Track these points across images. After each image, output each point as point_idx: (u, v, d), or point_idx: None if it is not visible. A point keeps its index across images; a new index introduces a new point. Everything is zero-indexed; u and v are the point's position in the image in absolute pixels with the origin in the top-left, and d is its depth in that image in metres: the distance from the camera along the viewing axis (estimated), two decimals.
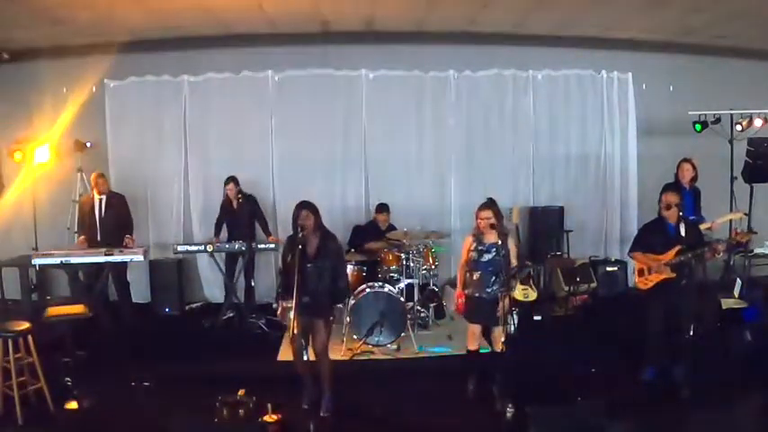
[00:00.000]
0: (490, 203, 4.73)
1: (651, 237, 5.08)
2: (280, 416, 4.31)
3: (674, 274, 4.89)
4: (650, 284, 5.00)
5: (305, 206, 4.57)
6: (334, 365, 4.79)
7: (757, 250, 7.31)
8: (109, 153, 7.88)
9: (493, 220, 4.63)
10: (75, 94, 7.72)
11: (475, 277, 4.70)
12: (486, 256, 4.67)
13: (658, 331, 5.00)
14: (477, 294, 4.70)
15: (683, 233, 4.93)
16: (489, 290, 4.66)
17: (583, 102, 8.39)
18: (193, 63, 7.89)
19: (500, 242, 4.61)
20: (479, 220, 4.68)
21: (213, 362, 5.68)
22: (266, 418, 4.26)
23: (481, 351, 4.92)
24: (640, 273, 5.12)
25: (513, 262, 4.66)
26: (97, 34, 7.33)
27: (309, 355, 4.69)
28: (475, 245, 4.72)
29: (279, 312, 4.62)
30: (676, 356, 4.92)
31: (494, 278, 4.64)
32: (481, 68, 8.17)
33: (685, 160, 6.41)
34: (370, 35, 7.80)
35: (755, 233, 5.53)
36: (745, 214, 6.89)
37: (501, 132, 8.30)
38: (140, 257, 6.33)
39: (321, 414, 4.51)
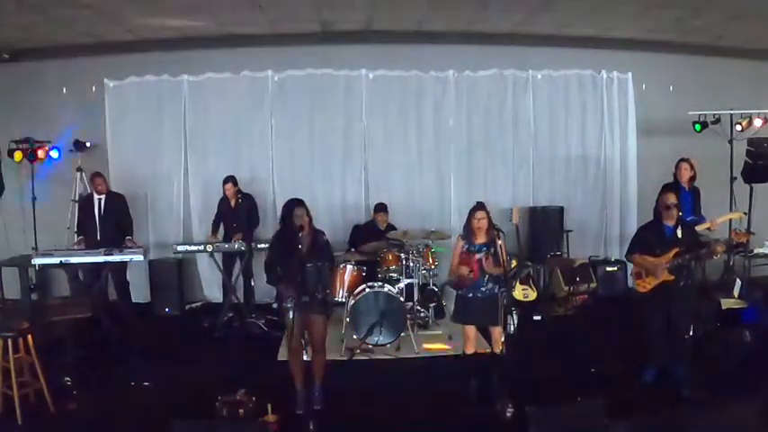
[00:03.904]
0: (482, 205, 4.77)
1: (649, 239, 5.06)
2: (280, 416, 4.31)
3: (672, 277, 4.88)
4: (649, 287, 5.00)
5: (298, 204, 4.56)
6: (333, 364, 4.80)
7: (757, 250, 7.30)
8: (109, 153, 7.88)
9: (486, 221, 4.67)
10: (75, 94, 7.73)
11: (466, 284, 4.71)
12: (477, 256, 4.68)
13: (658, 332, 5.00)
14: (470, 294, 4.70)
15: (679, 235, 4.92)
16: (484, 288, 4.67)
17: (583, 102, 8.39)
18: (193, 63, 7.90)
19: (490, 242, 4.65)
20: (474, 221, 4.70)
21: (213, 362, 5.68)
22: (266, 418, 4.25)
23: (479, 352, 4.92)
24: (638, 275, 5.11)
25: (504, 260, 4.64)
26: (97, 34, 7.34)
27: (308, 354, 4.70)
28: (466, 246, 4.74)
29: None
30: (676, 357, 4.92)
31: (487, 277, 4.65)
32: (481, 68, 8.17)
33: (683, 160, 6.41)
34: (370, 35, 7.80)
35: (753, 234, 5.54)
36: (745, 214, 6.89)
37: (501, 132, 8.30)
38: (140, 257, 6.33)
39: (314, 407, 4.52)
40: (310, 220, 4.59)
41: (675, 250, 4.86)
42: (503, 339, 4.62)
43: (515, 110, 8.28)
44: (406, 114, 8.15)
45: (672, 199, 4.96)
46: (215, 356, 5.88)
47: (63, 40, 7.44)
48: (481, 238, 4.70)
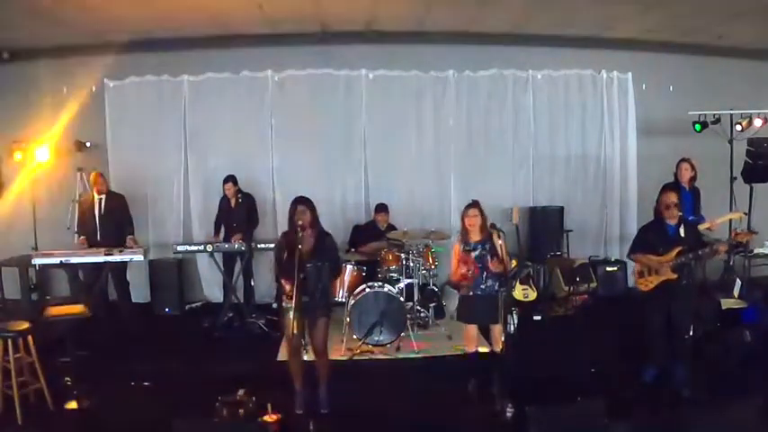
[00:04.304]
0: (475, 203, 4.80)
1: (651, 238, 5.06)
2: (280, 416, 4.31)
3: (674, 275, 4.89)
4: (651, 286, 5.00)
5: (301, 201, 4.54)
6: (333, 364, 4.80)
7: (757, 250, 7.31)
8: (109, 153, 7.88)
9: (478, 218, 4.69)
10: (75, 94, 7.72)
11: (467, 285, 4.71)
12: (473, 254, 4.69)
13: (659, 332, 5.00)
14: (470, 293, 4.71)
15: (682, 234, 4.93)
16: (483, 286, 4.67)
17: (583, 102, 8.38)
18: (193, 63, 7.90)
19: (485, 239, 4.66)
20: (467, 219, 4.74)
21: (213, 362, 5.68)
22: (266, 418, 4.25)
23: (480, 352, 4.93)
24: (640, 274, 5.11)
25: (505, 258, 4.64)
26: (97, 34, 7.34)
27: (309, 355, 4.70)
28: (462, 246, 4.74)
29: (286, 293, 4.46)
30: (676, 357, 4.92)
31: (485, 274, 4.66)
32: (481, 68, 8.17)
33: (684, 160, 6.40)
34: (370, 35, 7.80)
35: (756, 233, 5.54)
36: (745, 214, 6.89)
37: (501, 132, 8.30)
38: (140, 257, 6.33)
39: (321, 411, 4.51)
40: (315, 220, 4.57)
41: (678, 249, 4.86)
42: (503, 339, 4.62)
43: (515, 110, 8.28)
44: (406, 114, 8.15)
45: (672, 198, 4.96)
46: (215, 356, 5.88)
47: (63, 41, 7.44)
48: (475, 236, 4.72)
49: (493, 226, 4.71)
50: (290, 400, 4.55)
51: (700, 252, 4.84)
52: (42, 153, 7.19)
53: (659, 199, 5.15)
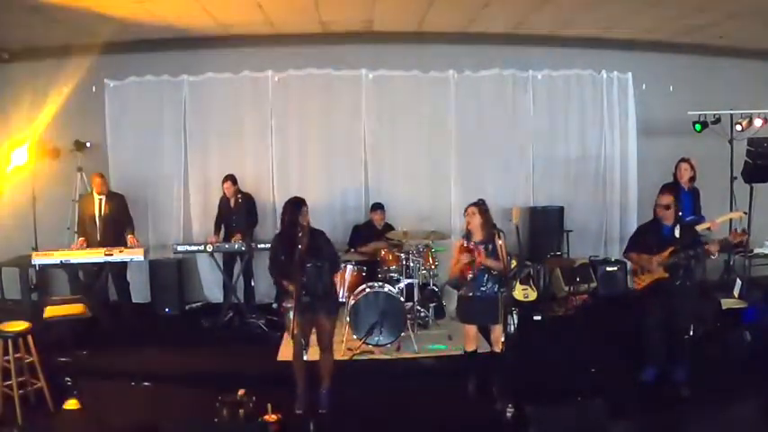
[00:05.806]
0: (478, 202, 4.80)
1: (646, 238, 5.09)
2: (280, 416, 4.31)
3: (666, 274, 4.89)
4: (643, 284, 5.02)
5: (303, 202, 4.56)
6: (335, 364, 4.80)
7: (757, 250, 7.32)
8: (109, 153, 7.87)
9: (477, 216, 4.68)
10: (75, 94, 7.72)
11: (468, 277, 4.71)
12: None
13: (655, 331, 5.01)
14: (470, 294, 4.72)
15: (677, 234, 4.93)
16: (484, 288, 4.67)
17: (583, 102, 8.37)
18: (193, 63, 7.89)
19: (487, 240, 4.66)
20: (466, 217, 4.76)
21: (213, 362, 5.68)
22: (266, 418, 4.26)
23: (479, 352, 4.93)
24: (635, 273, 5.16)
25: (504, 259, 4.63)
26: (97, 34, 7.33)
27: (309, 355, 4.70)
28: (465, 243, 4.74)
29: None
30: (676, 357, 4.92)
31: (486, 276, 4.66)
32: (481, 68, 8.16)
33: (683, 160, 6.41)
34: (370, 35, 7.79)
35: (747, 234, 5.55)
36: (745, 213, 6.89)
37: (501, 132, 8.29)
38: (140, 257, 6.33)
39: (319, 411, 4.51)
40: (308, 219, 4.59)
41: (671, 249, 4.87)
42: (503, 339, 4.62)
43: (515, 110, 8.28)
44: (406, 114, 8.14)
45: (665, 200, 4.97)
46: (215, 357, 5.88)
47: (63, 40, 7.43)
48: (478, 236, 4.71)
49: (493, 226, 4.71)
50: (291, 399, 4.55)
51: (691, 252, 4.84)
52: (42, 153, 7.19)
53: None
